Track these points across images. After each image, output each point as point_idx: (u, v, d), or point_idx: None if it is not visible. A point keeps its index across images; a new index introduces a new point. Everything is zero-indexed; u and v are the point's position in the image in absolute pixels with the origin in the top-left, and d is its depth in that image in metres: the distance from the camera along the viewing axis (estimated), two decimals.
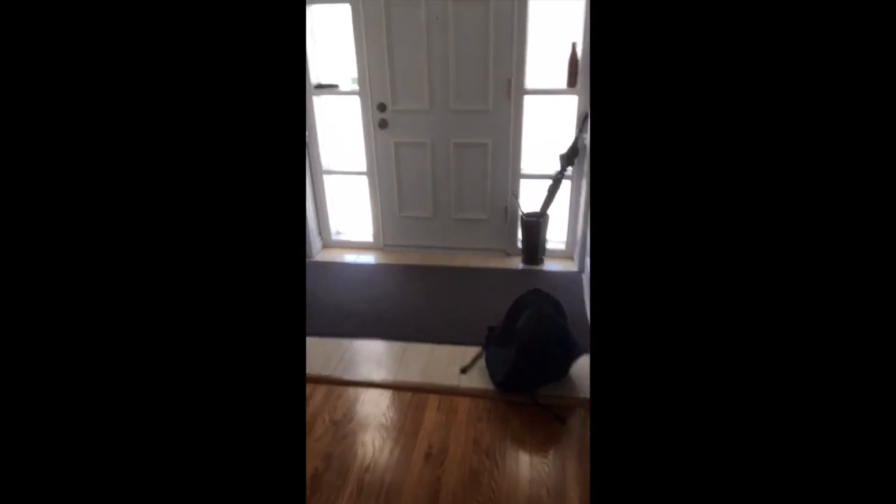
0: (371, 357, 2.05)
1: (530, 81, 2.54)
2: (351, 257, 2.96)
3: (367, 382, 1.89)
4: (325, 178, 2.95)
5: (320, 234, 3.06)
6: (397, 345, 2.11)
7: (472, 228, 2.87)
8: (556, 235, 2.87)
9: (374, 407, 1.79)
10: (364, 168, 2.85)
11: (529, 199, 2.80)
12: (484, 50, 2.46)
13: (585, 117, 2.49)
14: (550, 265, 2.79)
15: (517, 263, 2.81)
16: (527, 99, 2.55)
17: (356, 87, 2.67)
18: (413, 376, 1.91)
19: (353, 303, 2.43)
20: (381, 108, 2.64)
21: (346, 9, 2.53)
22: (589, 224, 2.44)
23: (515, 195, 2.73)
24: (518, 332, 1.77)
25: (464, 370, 1.92)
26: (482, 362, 1.95)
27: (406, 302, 2.42)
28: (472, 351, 2.03)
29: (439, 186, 2.79)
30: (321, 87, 2.72)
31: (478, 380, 1.88)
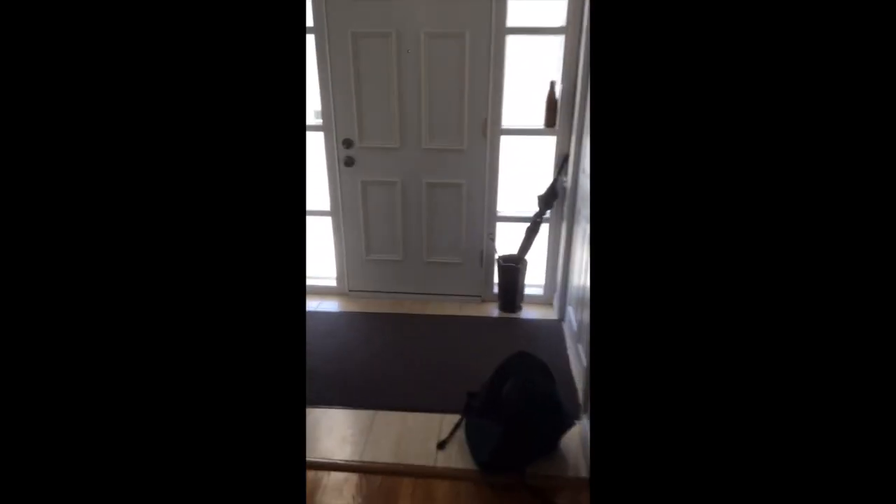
0: (335, 429, 1.79)
1: (507, 120, 2.41)
2: (312, 303, 2.70)
3: (331, 464, 1.63)
4: None
5: None
6: (364, 414, 1.85)
7: (445, 273, 2.68)
8: (534, 280, 2.71)
9: (338, 497, 1.53)
10: (327, 207, 2.62)
11: (506, 242, 2.64)
12: (458, 86, 2.32)
13: (565, 159, 2.37)
14: (529, 312, 2.62)
15: (493, 310, 2.63)
16: (503, 139, 2.42)
17: (320, 121, 2.47)
18: (383, 454, 1.66)
19: (314, 360, 2.16)
20: (348, 144, 2.44)
21: (310, 39, 2.35)
22: (574, 270, 2.30)
23: (492, 238, 2.57)
24: (504, 404, 1.56)
25: (441, 445, 1.69)
26: (461, 433, 1.73)
27: (374, 359, 2.18)
28: (450, 420, 1.80)
29: (410, 228, 2.60)
30: None
31: (457, 457, 1.66)
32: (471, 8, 2.20)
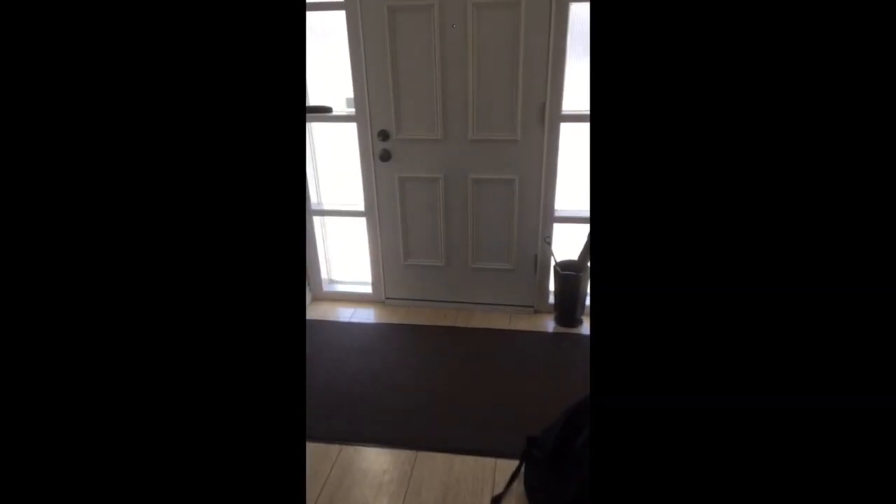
0: (369, 475, 1.53)
1: (569, 104, 2.06)
2: (346, 312, 2.46)
3: None
4: (316, 218, 2.47)
5: (309, 284, 2.56)
6: (404, 455, 1.59)
7: (493, 280, 2.37)
8: None
9: None
10: (362, 207, 2.36)
11: (565, 246, 2.31)
12: (512, 66, 1.99)
13: None
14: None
15: (549, 324, 2.31)
16: (564, 127, 2.07)
17: (352, 110, 2.19)
18: None
19: (345, 382, 1.91)
20: (384, 136, 2.16)
21: (340, 17, 2.07)
22: None
23: (548, 241, 2.24)
24: (580, 462, 1.26)
25: (496, 500, 1.41)
26: (519, 486, 1.44)
27: (413, 383, 1.91)
28: (504, 467, 1.51)
29: (454, 230, 2.30)
30: (310, 111, 2.24)
31: None
32: None
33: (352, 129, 2.23)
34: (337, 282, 2.64)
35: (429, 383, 1.91)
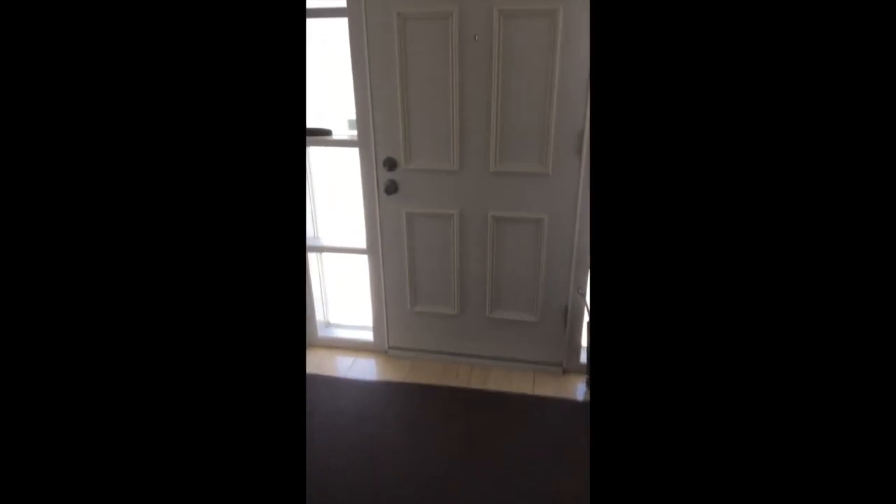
0: None
1: None
2: (345, 362, 2.14)
3: None
4: (312, 255, 2.16)
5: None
6: None
7: (514, 333, 2.03)
8: None
9: None
10: (363, 244, 2.05)
11: None
12: (544, 85, 1.65)
13: None
14: None
15: (580, 387, 1.96)
16: None
17: (354, 134, 1.89)
18: None
19: (336, 467, 1.58)
20: (390, 165, 1.85)
21: (342, 24, 1.77)
22: None
23: (581, 292, 1.90)
24: None
25: None
26: None
27: (412, 465, 1.57)
28: None
29: (470, 274, 1.97)
30: (307, 133, 1.95)
31: None
32: None
33: (354, 155, 1.92)
34: (335, 325, 2.33)
35: (430, 466, 1.57)
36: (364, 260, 2.07)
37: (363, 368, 2.10)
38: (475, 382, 1.99)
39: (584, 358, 2.00)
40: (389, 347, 2.16)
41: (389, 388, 1.97)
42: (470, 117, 1.73)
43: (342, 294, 2.35)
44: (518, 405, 1.86)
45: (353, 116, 1.85)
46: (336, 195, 2.19)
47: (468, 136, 1.76)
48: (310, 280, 2.16)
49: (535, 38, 1.61)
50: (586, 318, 1.96)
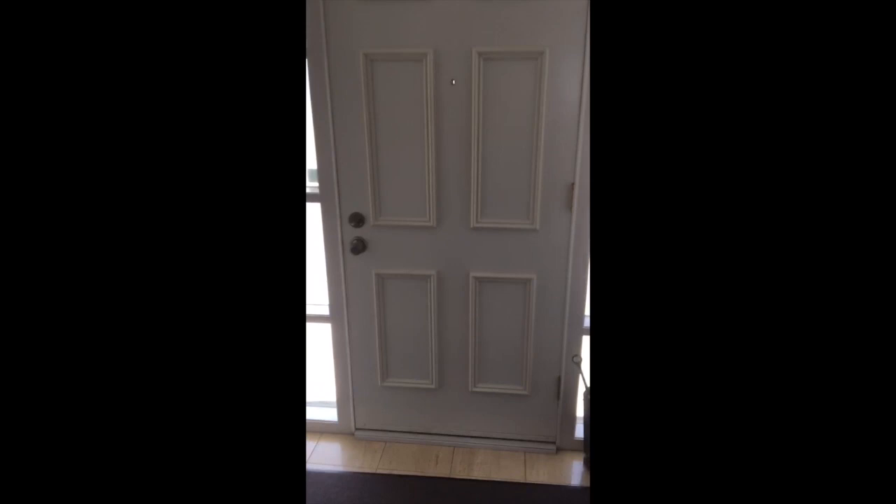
0: None
1: None
2: (308, 446, 1.83)
3: None
4: None
5: None
6: None
7: (502, 409, 1.78)
8: None
9: None
10: (325, 310, 1.79)
11: None
12: (530, 134, 1.49)
13: None
14: None
15: (576, 469, 1.71)
16: None
17: (315, 186, 1.67)
18: None
19: None
20: (357, 221, 1.62)
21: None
22: None
23: (577, 361, 1.69)
24: None
25: None
26: None
27: None
28: None
29: (449, 343, 1.72)
30: None
31: None
32: (554, 9, 1.41)
33: (315, 210, 1.69)
34: None
35: None
36: (326, 328, 1.80)
37: (325, 455, 1.79)
38: (459, 467, 1.72)
39: (579, 433, 1.77)
40: (357, 429, 1.86)
41: (357, 480, 1.67)
42: (447, 168, 1.54)
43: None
44: (508, 497, 1.59)
45: (314, 166, 1.64)
46: None
47: (446, 188, 1.56)
48: None
49: (520, 83, 1.46)
50: (582, 388, 1.75)
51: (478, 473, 1.70)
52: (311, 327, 1.93)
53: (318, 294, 1.81)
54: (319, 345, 1.93)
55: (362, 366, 1.79)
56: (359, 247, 1.63)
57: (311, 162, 1.65)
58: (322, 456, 1.78)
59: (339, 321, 1.75)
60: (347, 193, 1.61)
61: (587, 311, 1.68)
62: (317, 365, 1.98)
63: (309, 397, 2.03)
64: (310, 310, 1.83)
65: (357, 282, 1.70)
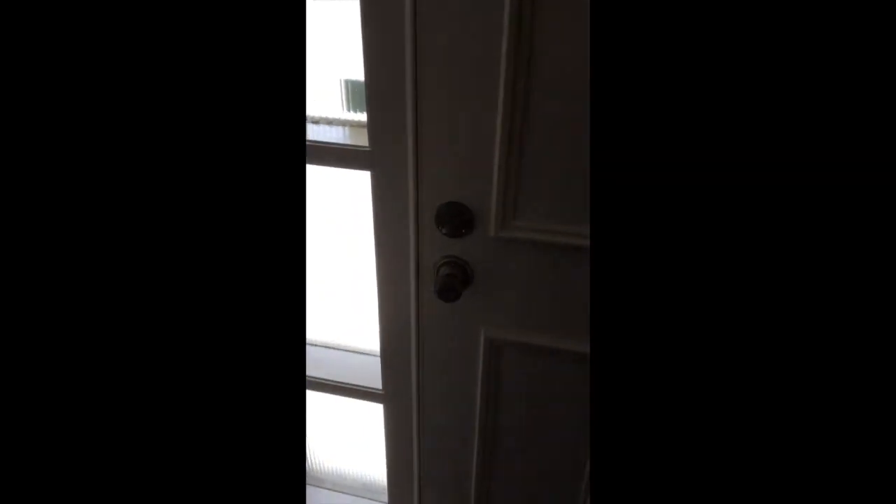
0: None
1: None
2: None
3: None
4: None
5: None
6: None
7: None
8: None
9: None
10: (376, 380, 0.92)
11: None
12: None
13: None
14: None
15: None
16: None
17: (359, 118, 0.72)
18: None
19: None
20: (455, 223, 0.65)
21: None
22: None
23: None
24: None
25: None
26: None
27: None
28: None
29: None
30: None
31: None
32: None
33: (358, 180, 0.75)
34: None
35: None
36: (374, 409, 0.96)
37: None
38: None
39: None
40: None
41: None
42: None
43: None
44: None
45: (358, 76, 0.68)
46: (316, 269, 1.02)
47: None
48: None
49: None
50: None
51: None
52: (345, 404, 1.08)
53: (359, 345, 0.94)
54: (358, 430, 1.09)
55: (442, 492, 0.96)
56: (455, 284, 0.71)
57: (351, 71, 0.69)
58: None
59: (399, 399, 0.90)
60: (437, 158, 0.67)
61: None
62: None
63: None
64: (346, 375, 0.97)
65: (445, 343, 0.81)
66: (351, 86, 0.76)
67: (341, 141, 0.73)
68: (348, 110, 0.76)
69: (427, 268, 0.73)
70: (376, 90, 0.63)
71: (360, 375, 0.92)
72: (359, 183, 0.73)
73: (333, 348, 0.99)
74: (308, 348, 0.99)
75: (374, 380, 0.90)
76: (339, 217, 0.86)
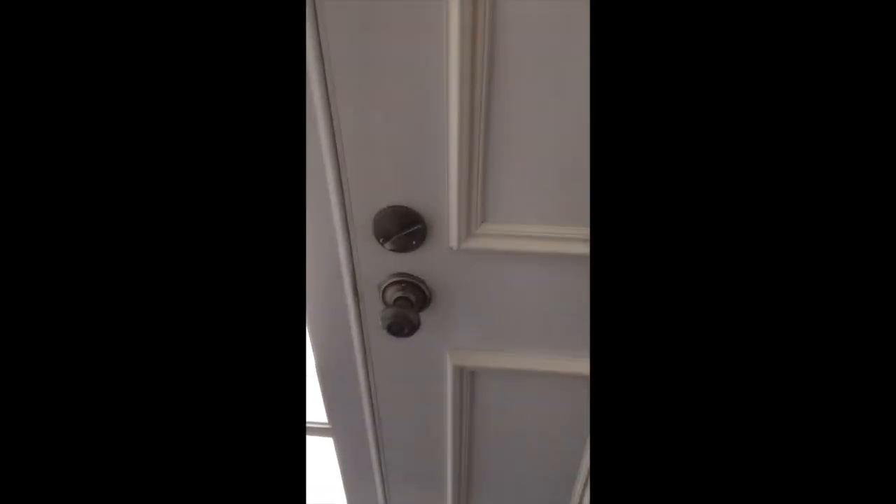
0: None
1: None
2: None
3: None
4: None
5: None
6: None
7: None
8: None
9: None
10: (319, 414, 0.76)
11: None
12: None
13: None
14: None
15: None
16: None
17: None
18: None
19: None
20: (404, 235, 0.49)
21: None
22: None
23: None
24: None
25: None
26: None
27: None
28: None
29: None
30: None
31: None
32: None
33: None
34: None
35: None
36: (321, 444, 0.80)
37: None
38: None
39: None
40: None
41: None
42: None
43: None
44: None
45: None
46: None
47: None
48: None
49: None
50: None
51: None
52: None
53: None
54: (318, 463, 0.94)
55: None
56: (409, 315, 0.54)
57: None
58: None
59: (349, 433, 0.75)
60: (371, 157, 0.47)
61: None
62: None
63: None
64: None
65: (399, 372, 0.66)
66: None
67: None
68: None
69: (370, 287, 0.55)
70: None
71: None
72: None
73: None
74: None
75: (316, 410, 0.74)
76: None
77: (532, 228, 0.49)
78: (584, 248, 0.48)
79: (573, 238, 0.49)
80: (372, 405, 0.68)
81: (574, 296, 0.53)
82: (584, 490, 0.73)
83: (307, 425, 0.75)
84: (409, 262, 0.53)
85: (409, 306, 0.52)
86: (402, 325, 0.50)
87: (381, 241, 0.50)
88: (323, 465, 0.90)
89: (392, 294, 0.54)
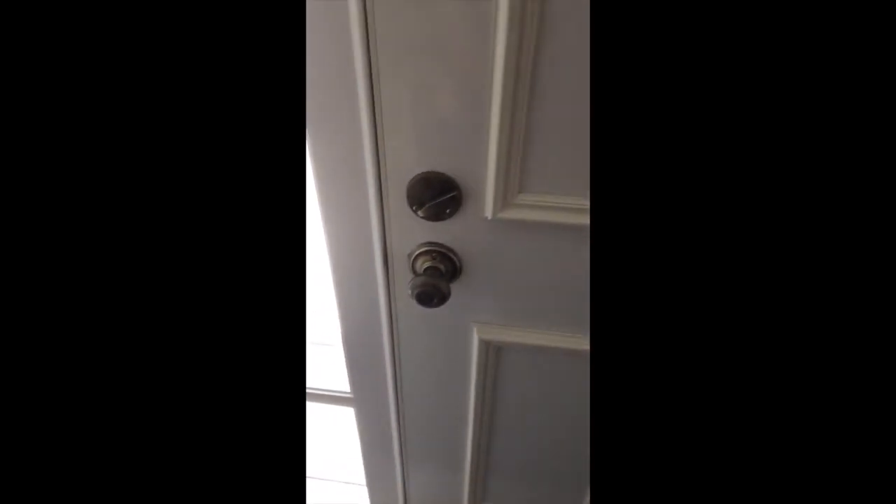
0: None
1: None
2: None
3: None
4: None
5: None
6: None
7: None
8: None
9: None
10: (344, 383, 0.76)
11: None
12: None
13: None
14: None
15: None
16: None
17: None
18: None
19: None
20: (437, 202, 0.47)
21: None
22: None
23: None
24: None
25: None
26: None
27: None
28: None
29: None
30: None
31: None
32: None
33: None
34: None
35: None
36: (344, 413, 0.81)
37: None
38: None
39: None
40: None
41: None
42: None
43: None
44: None
45: None
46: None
47: None
48: None
49: None
50: None
51: None
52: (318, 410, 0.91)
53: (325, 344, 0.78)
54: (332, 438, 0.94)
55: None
56: (439, 285, 0.54)
57: None
58: None
59: (371, 404, 0.75)
60: (409, 122, 0.46)
61: None
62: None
63: None
64: (317, 382, 0.80)
65: (424, 344, 0.66)
66: None
67: None
68: None
69: (396, 261, 0.55)
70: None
71: (325, 379, 0.76)
72: None
73: None
74: None
75: (339, 380, 0.74)
76: None
77: (570, 200, 0.48)
78: None
79: None
80: (395, 377, 0.68)
81: None
82: None
83: (331, 394, 0.75)
84: (441, 232, 0.52)
85: (438, 276, 0.52)
86: (433, 294, 0.49)
87: (413, 208, 0.49)
88: (345, 434, 0.91)
89: (422, 263, 0.53)
